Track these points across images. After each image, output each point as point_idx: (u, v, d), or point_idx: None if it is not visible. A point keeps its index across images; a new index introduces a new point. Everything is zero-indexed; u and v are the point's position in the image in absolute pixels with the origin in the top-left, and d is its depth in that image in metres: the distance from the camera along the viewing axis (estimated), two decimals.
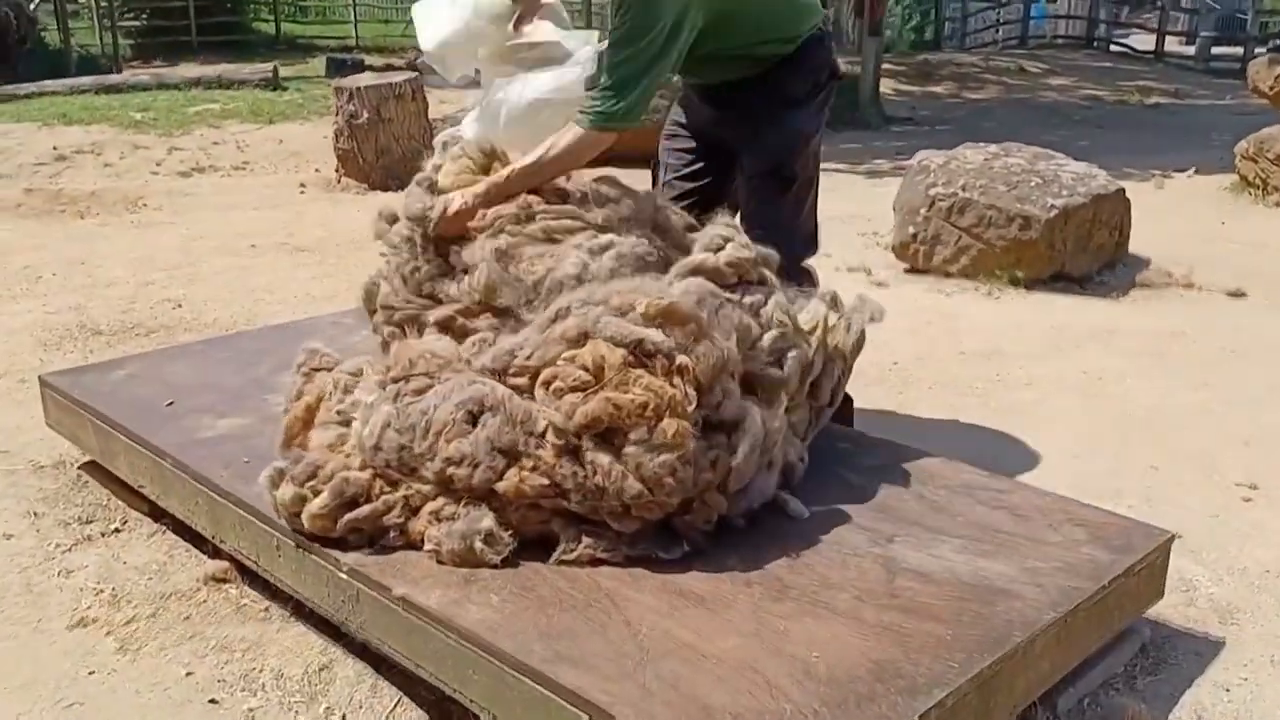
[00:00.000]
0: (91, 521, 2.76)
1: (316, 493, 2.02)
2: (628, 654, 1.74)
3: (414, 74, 8.17)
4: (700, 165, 2.88)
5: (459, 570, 1.98)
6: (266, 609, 2.33)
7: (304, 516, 2.02)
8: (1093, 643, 2.05)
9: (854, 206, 6.74)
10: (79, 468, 3.01)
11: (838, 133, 11.87)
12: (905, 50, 22.08)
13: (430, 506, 2.01)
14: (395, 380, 2.12)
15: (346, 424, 2.10)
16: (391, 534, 2.04)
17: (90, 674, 2.10)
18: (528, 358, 2.02)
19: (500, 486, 1.93)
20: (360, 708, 2.03)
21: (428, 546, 2.01)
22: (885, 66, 17.61)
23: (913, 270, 5.23)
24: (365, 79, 8.06)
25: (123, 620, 2.28)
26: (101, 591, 2.40)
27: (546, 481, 1.91)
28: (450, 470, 1.95)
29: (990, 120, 13.19)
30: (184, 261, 5.44)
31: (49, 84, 12.56)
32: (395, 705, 2.03)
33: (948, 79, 17.53)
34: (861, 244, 5.86)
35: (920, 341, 4.19)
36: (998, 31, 24.04)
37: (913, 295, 4.88)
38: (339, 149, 7.83)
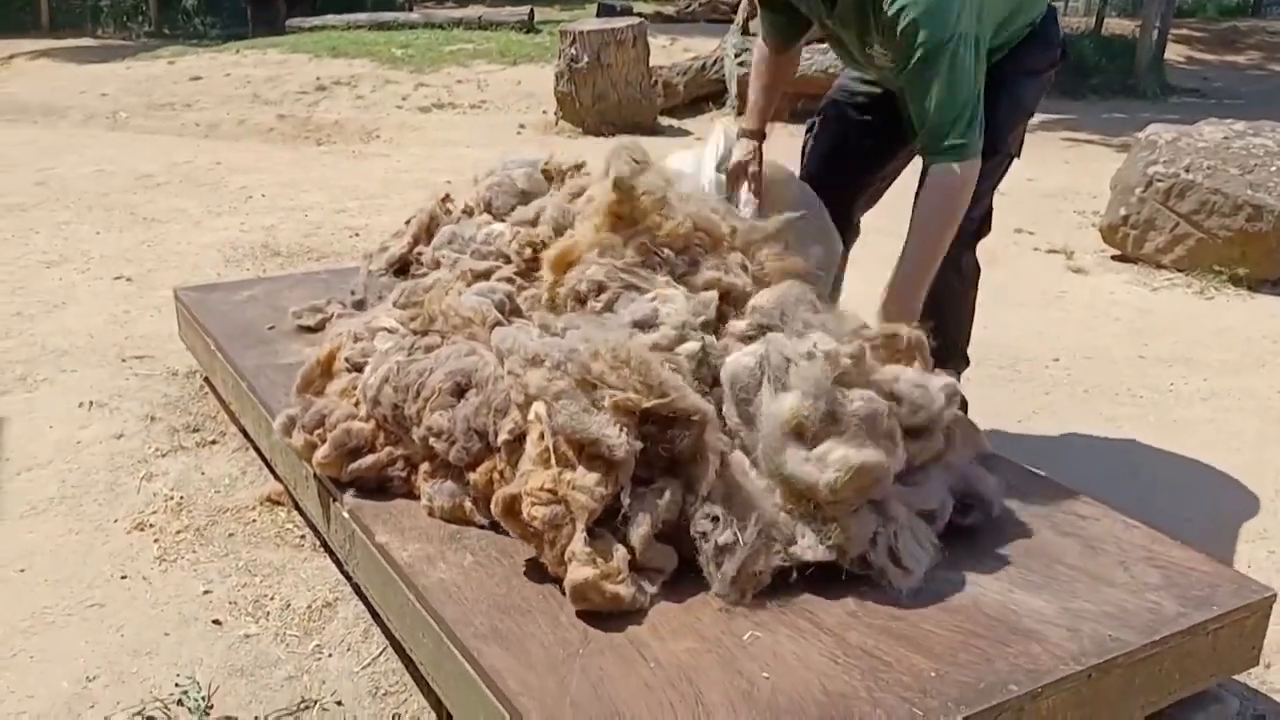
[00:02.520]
0: (197, 430, 2.92)
1: (324, 440, 2.02)
2: (568, 641, 1.63)
3: (638, 20, 8.13)
4: (872, 114, 2.60)
5: (449, 526, 1.94)
6: (303, 536, 2.38)
7: (313, 463, 2.03)
8: (1136, 712, 1.75)
9: (1083, 181, 6.15)
10: (204, 378, 3.19)
11: (1104, 100, 10.94)
12: (1213, 15, 19.93)
13: (424, 466, 1.96)
14: (414, 332, 2.08)
15: (359, 370, 2.08)
16: (395, 483, 2.02)
17: (123, 578, 2.21)
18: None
19: (471, 477, 1.86)
20: (348, 651, 2.03)
21: (422, 501, 1.97)
22: (1181, 31, 16.02)
23: (1121, 258, 4.70)
24: (589, 23, 8.10)
25: (176, 529, 2.39)
26: (170, 499, 2.53)
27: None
28: (431, 440, 1.89)
29: None
30: (380, 192, 5.67)
31: (330, 18, 13.49)
32: (380, 654, 2.02)
33: (1253, 48, 15.70)
34: (1074, 223, 5.34)
35: (1097, 338, 3.75)
36: None
37: (1110, 286, 4.38)
38: (559, 92, 7.93)
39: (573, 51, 7.68)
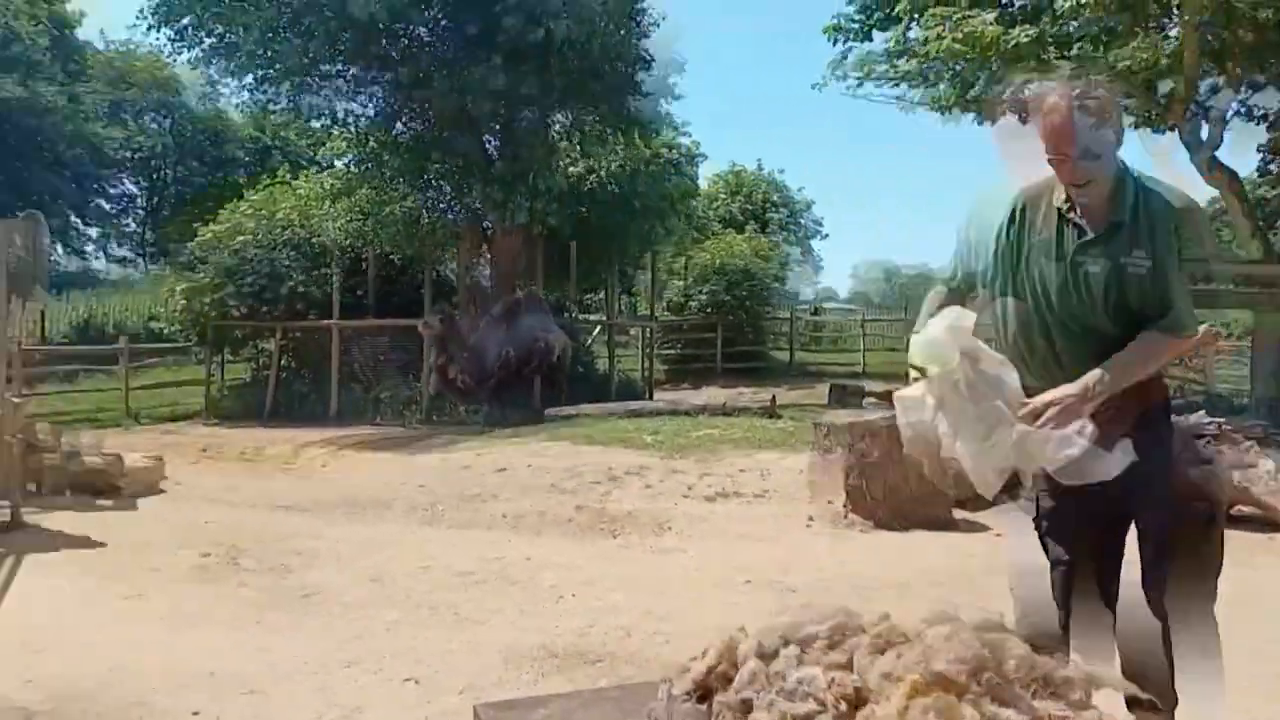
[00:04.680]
0: None
1: None
2: None
3: None
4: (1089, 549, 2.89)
5: None
6: None
7: None
8: None
9: None
10: None
11: None
12: None
13: None
14: None
15: None
16: None
17: None
18: None
19: None
20: None
21: None
22: None
23: None
24: (877, 416, 8.23)
25: None
26: None
27: None
28: None
29: None
30: (681, 591, 5.72)
31: (584, 407, 14.54)
32: None
33: None
34: None
35: None
36: None
37: None
38: (849, 485, 7.97)
39: (862, 445, 7.78)
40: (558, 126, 19.05)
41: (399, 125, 18.01)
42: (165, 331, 22.17)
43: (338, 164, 20.09)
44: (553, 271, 19.41)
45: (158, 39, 17.02)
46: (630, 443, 11.40)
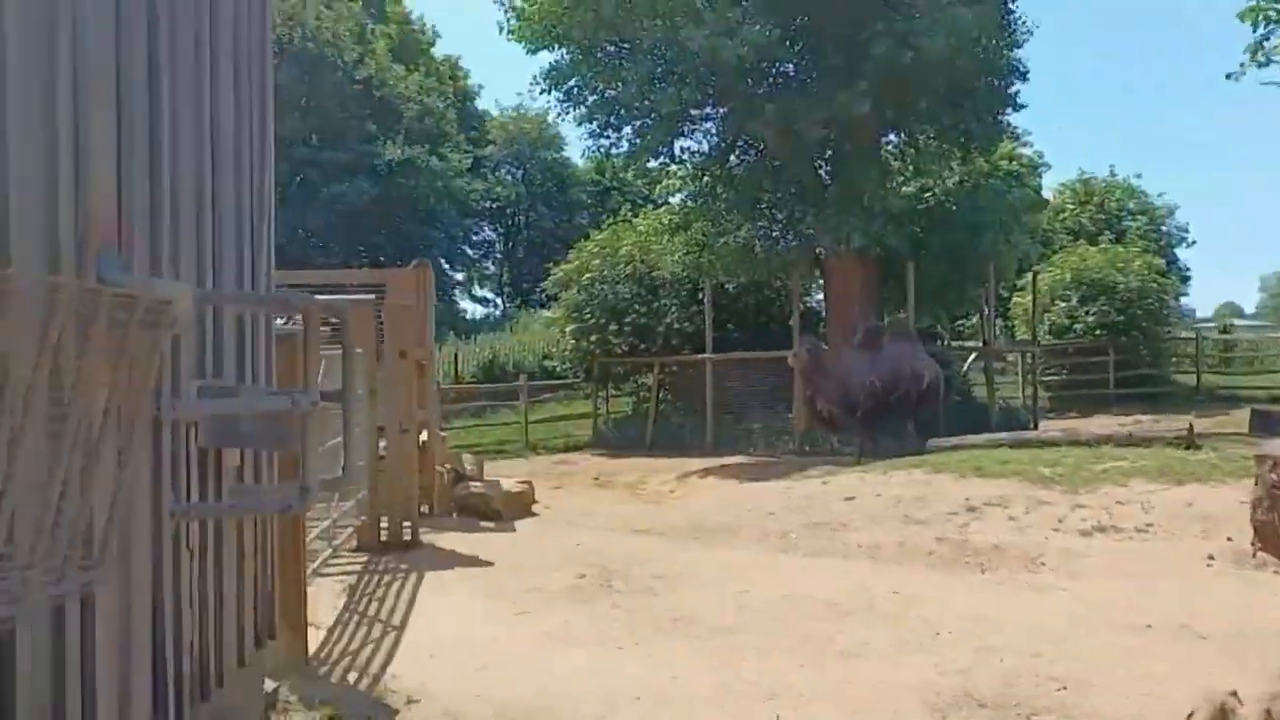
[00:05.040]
0: None
1: None
2: None
3: None
4: None
5: None
6: None
7: None
8: None
9: None
10: None
11: None
12: None
13: None
14: None
15: None
16: None
17: None
18: None
19: None
20: None
21: None
22: None
23: None
24: None
25: None
26: None
27: None
28: None
29: None
30: (1071, 634, 5.25)
31: (969, 438, 13.83)
32: None
33: None
34: None
35: None
36: None
37: None
38: (1257, 520, 7.07)
39: (1273, 476, 6.87)
40: (890, 147, 18.66)
41: (732, 158, 18.38)
42: (557, 369, 23.89)
43: (673, 200, 20.79)
44: (889, 294, 18.96)
45: (548, 101, 18.58)
46: (1026, 475, 10.64)
